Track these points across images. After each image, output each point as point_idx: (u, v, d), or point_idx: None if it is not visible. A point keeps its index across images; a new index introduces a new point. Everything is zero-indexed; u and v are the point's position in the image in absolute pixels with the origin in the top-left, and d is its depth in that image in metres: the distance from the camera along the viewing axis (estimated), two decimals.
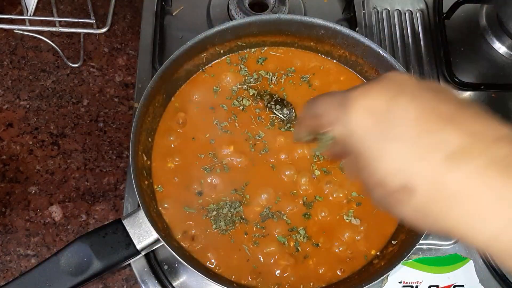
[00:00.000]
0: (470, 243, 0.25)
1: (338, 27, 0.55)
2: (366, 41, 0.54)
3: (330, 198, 0.52)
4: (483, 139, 0.24)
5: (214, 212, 0.51)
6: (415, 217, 0.27)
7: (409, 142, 0.25)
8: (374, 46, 0.54)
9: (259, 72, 0.58)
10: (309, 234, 0.51)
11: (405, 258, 0.46)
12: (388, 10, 0.71)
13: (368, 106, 0.27)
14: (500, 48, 0.70)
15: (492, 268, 0.54)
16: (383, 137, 0.26)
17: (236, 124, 0.55)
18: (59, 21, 0.68)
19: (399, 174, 0.26)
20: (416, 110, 0.26)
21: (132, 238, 0.46)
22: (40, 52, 0.67)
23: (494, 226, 0.24)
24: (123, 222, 0.47)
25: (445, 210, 0.25)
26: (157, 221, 0.48)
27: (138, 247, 0.46)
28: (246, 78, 0.57)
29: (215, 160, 0.53)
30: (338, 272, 0.50)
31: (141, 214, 0.46)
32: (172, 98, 0.56)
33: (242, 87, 0.57)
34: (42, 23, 0.69)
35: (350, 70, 0.59)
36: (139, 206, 0.47)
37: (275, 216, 0.51)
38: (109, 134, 0.63)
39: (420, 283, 0.54)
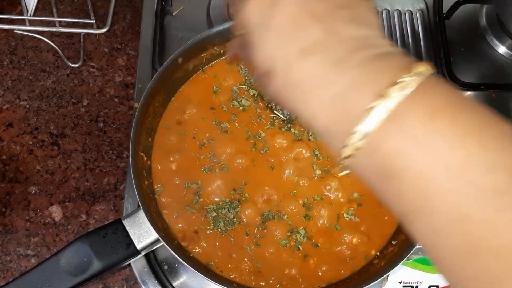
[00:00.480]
0: (305, 122, 0.29)
1: None
2: None
3: (331, 198, 0.52)
4: (335, 37, 0.28)
5: (214, 213, 0.51)
6: (277, 97, 0.31)
7: (280, 33, 0.29)
8: None
9: None
10: (309, 234, 0.51)
11: (405, 258, 0.46)
12: (388, 10, 0.71)
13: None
14: (500, 48, 0.70)
15: None
16: (263, 26, 0.29)
17: (236, 124, 0.55)
18: (59, 21, 0.68)
19: (266, 60, 0.29)
20: (296, 7, 0.29)
21: (132, 238, 0.46)
22: (40, 52, 0.67)
23: (314, 108, 0.28)
24: (123, 222, 0.47)
25: (290, 94, 0.29)
26: (157, 221, 0.48)
27: (138, 247, 0.46)
28: (247, 78, 0.57)
29: (215, 160, 0.53)
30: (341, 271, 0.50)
31: (141, 214, 0.46)
32: (172, 98, 0.56)
33: (243, 87, 0.57)
34: (42, 23, 0.69)
35: None
36: (139, 206, 0.47)
37: (275, 217, 0.51)
38: (109, 134, 0.63)
39: (420, 283, 0.54)
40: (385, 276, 0.48)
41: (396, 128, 0.25)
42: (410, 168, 0.25)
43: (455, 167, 0.24)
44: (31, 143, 0.62)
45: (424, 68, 0.26)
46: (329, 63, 0.27)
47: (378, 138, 0.25)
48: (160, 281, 0.52)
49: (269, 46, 0.29)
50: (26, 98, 0.64)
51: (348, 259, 0.50)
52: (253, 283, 0.49)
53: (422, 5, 0.72)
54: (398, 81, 0.25)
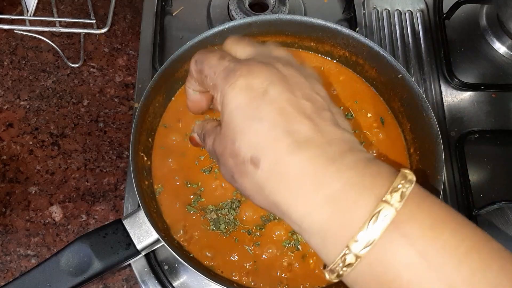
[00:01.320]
0: (288, 220, 0.29)
1: (338, 27, 0.55)
2: (366, 41, 0.54)
3: None
4: (324, 136, 0.29)
5: (214, 215, 0.50)
6: (253, 189, 0.30)
7: (270, 124, 0.29)
8: (374, 46, 0.54)
9: None
10: None
11: None
12: (388, 10, 0.72)
13: (248, 85, 0.30)
14: (500, 48, 0.70)
15: None
16: (251, 114, 0.29)
17: None
18: (59, 21, 0.68)
19: (252, 148, 0.29)
20: (284, 101, 0.29)
21: (132, 238, 0.46)
22: (40, 52, 0.67)
23: (307, 206, 0.27)
24: (123, 222, 0.47)
25: (277, 186, 0.28)
26: (157, 221, 0.48)
27: (138, 247, 0.46)
28: None
29: (214, 160, 0.53)
30: None
31: (141, 214, 0.46)
32: (172, 98, 0.56)
33: None
34: (42, 23, 0.69)
35: (350, 70, 0.59)
36: (139, 206, 0.47)
37: (276, 217, 0.51)
38: (109, 134, 0.63)
39: None
40: None
41: (401, 238, 0.25)
42: (413, 283, 0.24)
43: (459, 286, 0.23)
44: (31, 143, 0.62)
45: (412, 176, 0.27)
46: (322, 161, 0.27)
47: (382, 248, 0.25)
48: (160, 281, 0.52)
49: (256, 135, 0.29)
50: (26, 98, 0.64)
51: None
52: (252, 283, 0.49)
53: (422, 5, 0.72)
54: (398, 187, 0.26)
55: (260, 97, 0.29)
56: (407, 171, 0.27)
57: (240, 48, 0.34)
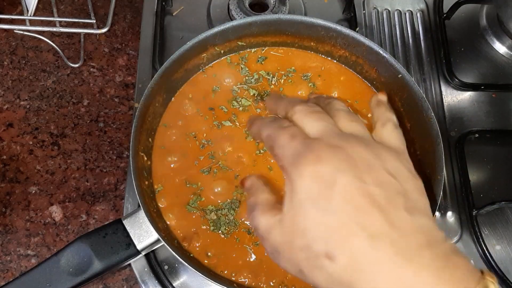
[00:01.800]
0: None
1: (339, 27, 0.55)
2: (367, 41, 0.54)
3: None
4: (397, 229, 0.28)
5: (214, 216, 0.50)
6: (327, 282, 0.30)
7: (343, 217, 0.28)
8: (375, 46, 0.54)
9: (260, 72, 0.58)
10: None
11: None
12: (388, 10, 0.72)
13: (316, 174, 0.30)
14: (500, 48, 0.70)
15: (492, 268, 0.54)
16: (322, 206, 0.29)
17: (237, 123, 0.55)
18: (60, 21, 0.68)
19: (326, 242, 0.29)
20: (354, 191, 0.29)
21: (133, 238, 0.46)
22: (41, 52, 0.67)
23: None
24: (123, 222, 0.47)
25: (354, 281, 0.28)
26: (157, 221, 0.48)
27: (139, 247, 0.46)
28: (247, 78, 0.57)
29: (214, 160, 0.53)
30: None
31: (141, 214, 0.46)
32: (172, 98, 0.56)
33: (243, 87, 0.57)
34: (43, 23, 0.69)
35: (350, 70, 0.59)
36: (139, 206, 0.47)
37: None
38: (109, 134, 0.63)
39: None
40: None
41: None
42: None
43: None
44: (31, 143, 0.62)
45: (494, 286, 0.27)
46: (399, 259, 0.27)
47: None
48: (160, 281, 0.52)
49: (329, 229, 0.29)
50: (26, 98, 0.64)
51: None
52: (253, 283, 0.49)
53: (423, 5, 0.72)
54: None
55: (330, 187, 0.29)
56: (490, 279, 0.28)
57: (309, 123, 0.33)
